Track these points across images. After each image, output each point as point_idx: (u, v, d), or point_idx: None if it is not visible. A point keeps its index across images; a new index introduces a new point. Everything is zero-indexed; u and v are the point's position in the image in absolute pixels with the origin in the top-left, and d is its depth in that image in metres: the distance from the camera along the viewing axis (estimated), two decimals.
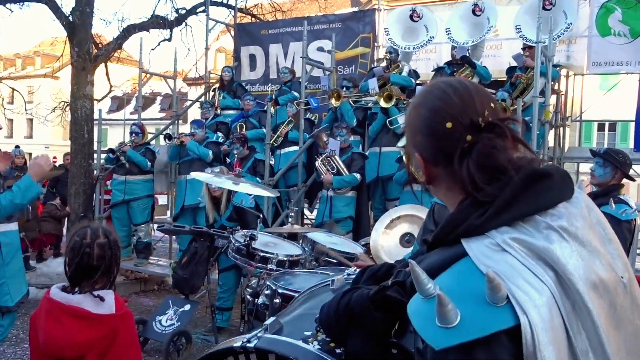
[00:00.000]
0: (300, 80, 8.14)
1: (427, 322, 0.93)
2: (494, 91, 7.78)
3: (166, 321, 5.41)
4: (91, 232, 2.24)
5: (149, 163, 8.14)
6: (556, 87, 8.09)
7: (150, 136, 9.62)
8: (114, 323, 2.15)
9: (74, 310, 2.13)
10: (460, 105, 1.10)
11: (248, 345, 1.51)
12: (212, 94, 10.39)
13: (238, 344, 1.53)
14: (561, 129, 8.43)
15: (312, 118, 8.63)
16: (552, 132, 8.13)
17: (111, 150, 8.03)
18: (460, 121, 1.09)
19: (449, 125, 1.09)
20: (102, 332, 2.13)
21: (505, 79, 7.93)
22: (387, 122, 7.21)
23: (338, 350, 1.44)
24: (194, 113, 14.17)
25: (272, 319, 1.69)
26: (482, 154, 1.07)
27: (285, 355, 1.45)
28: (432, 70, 8.42)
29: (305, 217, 9.04)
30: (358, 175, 6.80)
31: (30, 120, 41.36)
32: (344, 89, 7.80)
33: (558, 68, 7.82)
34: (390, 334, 1.41)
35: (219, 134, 8.43)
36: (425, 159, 1.15)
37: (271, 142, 7.75)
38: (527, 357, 0.91)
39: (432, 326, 0.92)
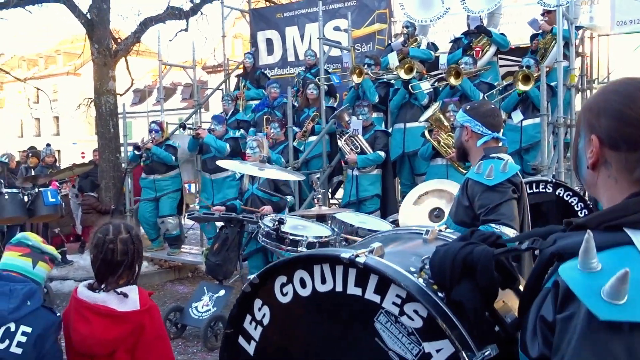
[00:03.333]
0: (319, 61, 8.09)
1: (592, 293, 0.97)
2: (519, 58, 7.66)
3: (202, 307, 5.51)
4: (113, 228, 2.30)
5: (173, 157, 8.24)
6: (580, 50, 7.90)
7: (174, 127, 9.71)
8: (140, 318, 2.21)
9: (100, 309, 2.19)
10: None
11: (357, 259, 1.50)
12: (235, 80, 10.33)
13: (346, 255, 1.52)
14: (588, 92, 8.25)
15: (333, 104, 8.56)
16: (578, 96, 7.96)
17: (136, 147, 8.10)
18: None
19: None
20: (129, 328, 2.19)
21: (528, 45, 7.78)
22: (409, 88, 7.10)
23: (440, 294, 1.45)
24: (216, 101, 14.23)
25: (377, 243, 1.66)
26: None
27: (394, 280, 1.45)
28: (450, 42, 8.29)
29: (333, 198, 9.05)
30: (382, 153, 6.77)
31: (57, 118, 42.11)
32: (366, 66, 7.74)
33: (578, 30, 7.64)
34: (492, 302, 1.47)
35: (242, 130, 8.41)
36: (603, 141, 1.17)
37: (300, 140, 7.85)
38: None
39: (597, 298, 0.96)
